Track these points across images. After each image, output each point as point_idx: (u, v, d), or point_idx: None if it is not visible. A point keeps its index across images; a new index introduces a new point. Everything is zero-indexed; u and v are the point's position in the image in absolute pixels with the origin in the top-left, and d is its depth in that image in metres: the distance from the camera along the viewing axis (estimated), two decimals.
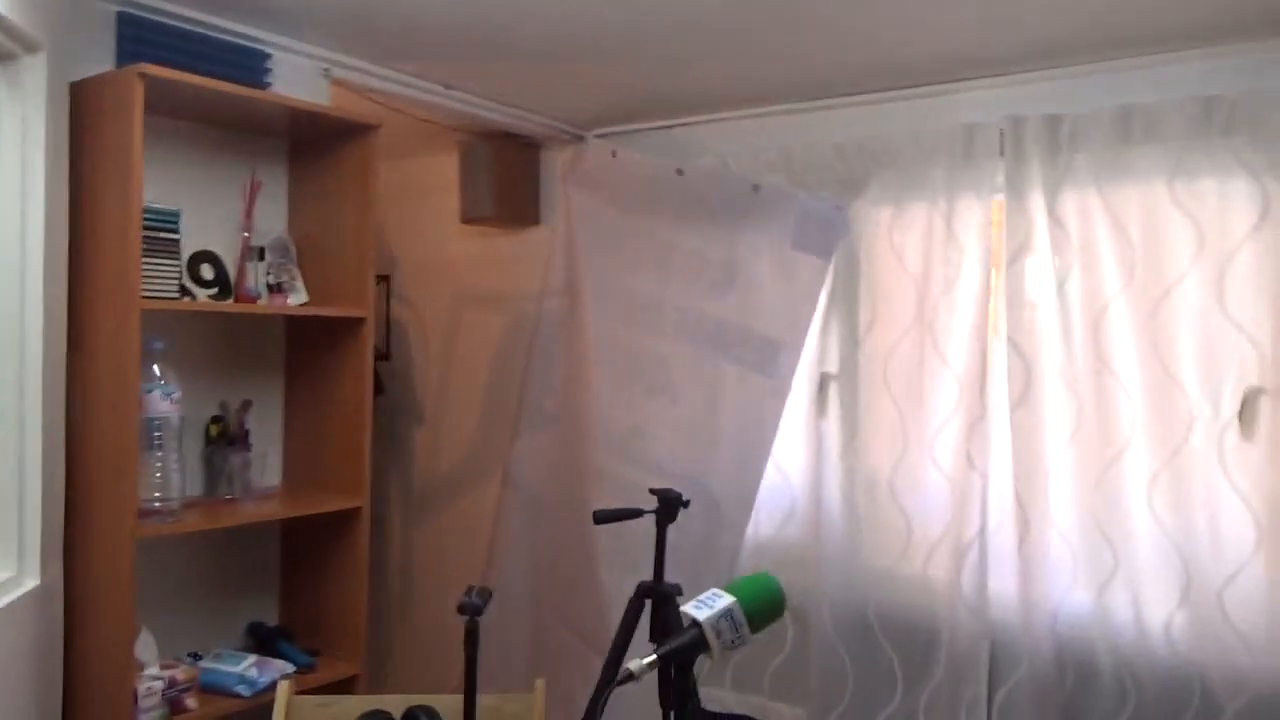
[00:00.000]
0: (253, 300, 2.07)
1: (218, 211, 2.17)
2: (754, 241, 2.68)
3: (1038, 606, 2.24)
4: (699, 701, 2.06)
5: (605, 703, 1.26)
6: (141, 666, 1.85)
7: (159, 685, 1.81)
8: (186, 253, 2.10)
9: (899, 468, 2.52)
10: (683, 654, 1.18)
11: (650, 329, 2.79)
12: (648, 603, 2.10)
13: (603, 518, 2.09)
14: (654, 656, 1.15)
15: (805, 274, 2.65)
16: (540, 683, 1.83)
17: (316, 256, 2.25)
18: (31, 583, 1.73)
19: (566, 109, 2.95)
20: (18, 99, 1.70)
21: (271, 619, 2.36)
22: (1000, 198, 2.37)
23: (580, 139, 3.12)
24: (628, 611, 2.11)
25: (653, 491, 2.12)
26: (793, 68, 2.40)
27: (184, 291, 2.02)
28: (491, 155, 3.17)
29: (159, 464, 1.87)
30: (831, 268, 2.66)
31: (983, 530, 2.37)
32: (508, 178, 3.19)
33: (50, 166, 1.75)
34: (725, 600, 1.22)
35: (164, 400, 1.85)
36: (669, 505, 2.10)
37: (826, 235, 2.65)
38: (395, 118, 2.96)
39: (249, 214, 2.09)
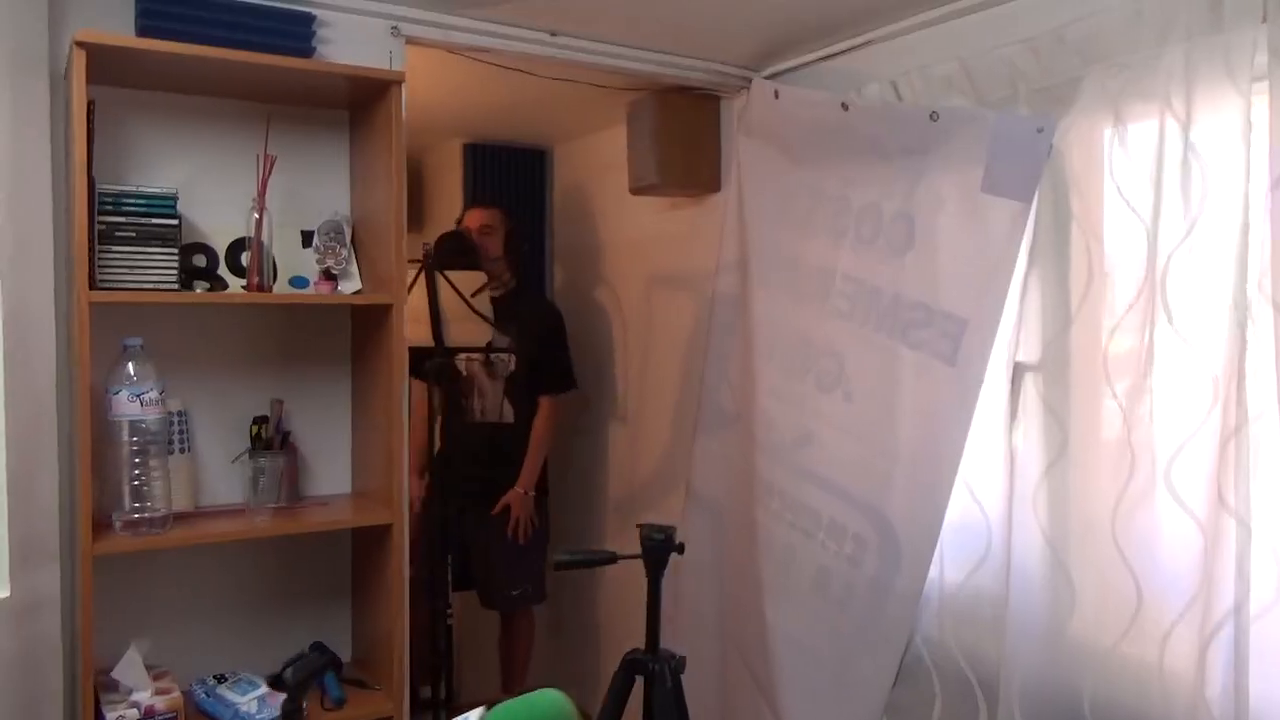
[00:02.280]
0: (263, 290, 1.89)
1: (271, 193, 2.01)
2: (935, 186, 2.06)
3: None
4: None
5: None
6: (127, 690, 1.75)
7: (132, 715, 1.71)
8: (223, 240, 2.00)
9: (1123, 502, 1.76)
10: None
11: (819, 306, 2.32)
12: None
13: (564, 564, 1.65)
14: None
15: (999, 225, 1.96)
16: None
17: (373, 238, 2.08)
18: (1, 594, 1.69)
19: (721, 46, 2.53)
20: None
21: (344, 640, 2.22)
22: (1265, 86, 1.55)
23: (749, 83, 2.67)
24: (612, 687, 1.65)
25: (639, 528, 1.65)
26: None
27: (189, 281, 1.91)
28: (659, 114, 2.79)
29: (137, 472, 1.74)
30: (1033, 214, 1.96)
31: (1241, 605, 1.57)
32: (679, 138, 2.81)
33: (4, 153, 1.69)
34: None
35: (131, 402, 1.71)
36: (657, 548, 1.60)
37: (1026, 168, 1.94)
38: (560, 88, 2.79)
39: (261, 193, 1.96)
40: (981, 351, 1.98)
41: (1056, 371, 1.93)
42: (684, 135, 2.83)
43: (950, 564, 2.13)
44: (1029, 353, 1.98)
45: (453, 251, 2.89)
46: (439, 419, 2.73)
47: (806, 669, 2.27)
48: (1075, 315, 1.89)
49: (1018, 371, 1.99)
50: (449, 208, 3.33)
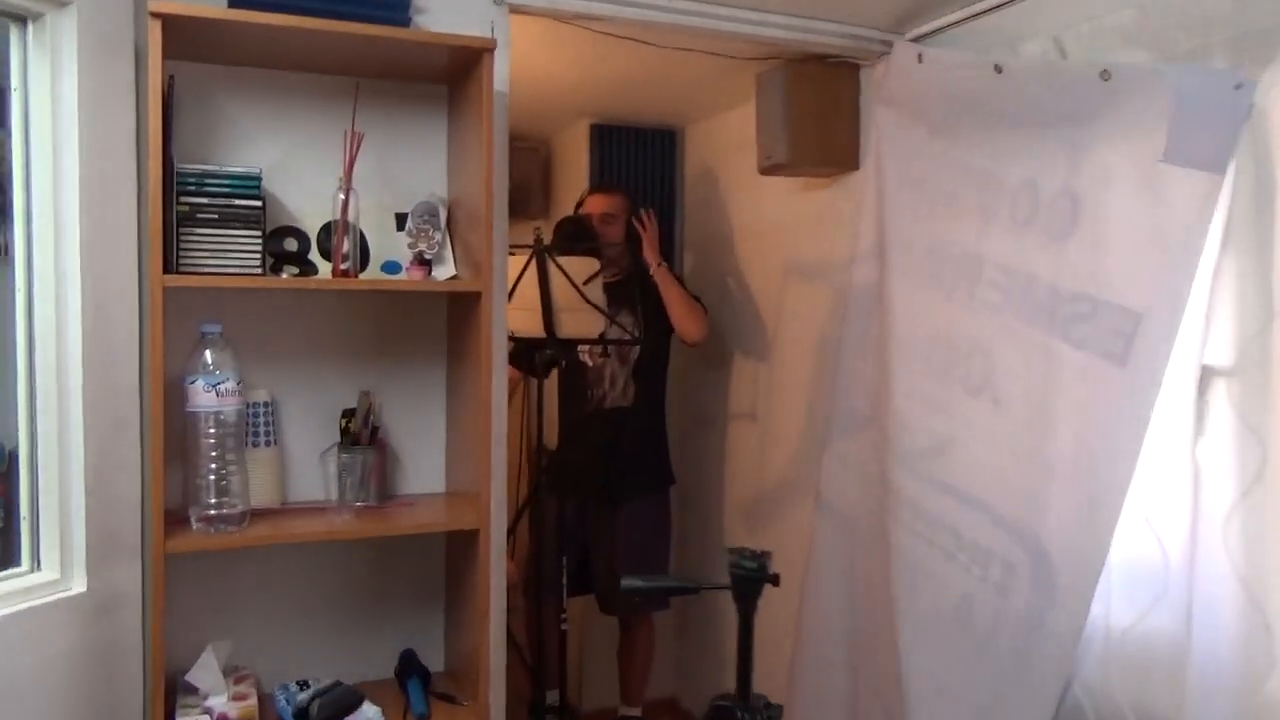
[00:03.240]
0: (348, 275, 1.79)
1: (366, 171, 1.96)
2: (1105, 158, 1.82)
3: None
4: None
5: None
6: (204, 695, 1.69)
7: None
8: (315, 223, 1.93)
9: None
10: None
11: (965, 298, 2.12)
12: None
13: (635, 592, 1.45)
14: None
15: (1183, 201, 1.68)
16: None
17: (470, 222, 1.95)
18: (77, 588, 1.66)
19: (858, 6, 2.31)
20: (45, 62, 1.63)
21: (437, 649, 2.11)
22: None
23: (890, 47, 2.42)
24: None
25: (729, 552, 1.42)
26: None
27: (279, 266, 1.85)
28: (789, 85, 2.58)
29: (214, 465, 1.68)
30: (1227, 187, 1.65)
31: None
32: (811, 112, 2.60)
33: (86, 134, 1.65)
34: None
35: (207, 392, 1.64)
36: (748, 579, 1.38)
37: (1218, 133, 1.64)
38: (687, 62, 2.67)
39: (347, 172, 1.84)
40: (1159, 351, 1.73)
41: (1255, 377, 1.63)
42: (817, 108, 2.62)
43: (1119, 601, 1.86)
44: (1220, 354, 1.69)
45: (570, 237, 2.83)
46: (546, 412, 2.66)
47: (945, 713, 2.06)
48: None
49: (1205, 376, 1.70)
50: (577, 192, 3.27)
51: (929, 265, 2.21)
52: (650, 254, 2.94)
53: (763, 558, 1.39)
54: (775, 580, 1.40)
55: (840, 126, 2.65)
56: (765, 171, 2.74)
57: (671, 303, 2.91)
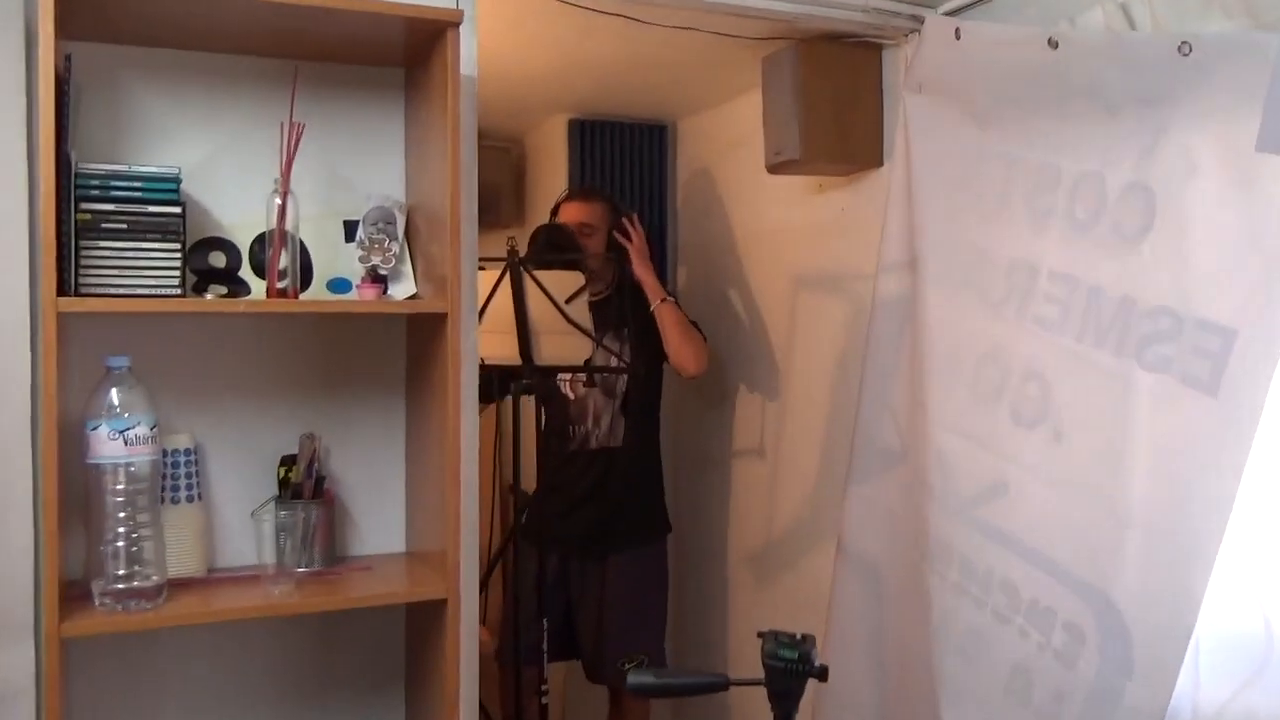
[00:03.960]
0: (285, 295, 1.70)
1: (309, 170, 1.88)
2: (1185, 146, 1.76)
3: None
4: None
5: None
6: None
7: None
8: (247, 234, 1.82)
9: None
10: None
11: (1016, 312, 2.08)
12: None
13: (646, 690, 1.29)
14: None
15: None
16: None
17: (432, 230, 1.83)
18: None
19: None
20: None
21: None
22: None
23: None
24: None
25: (761, 637, 1.27)
26: None
27: (203, 285, 1.74)
28: (801, 69, 2.51)
29: (121, 529, 1.55)
30: None
31: None
32: (827, 100, 2.54)
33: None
34: None
35: (113, 440, 1.50)
36: (787, 674, 1.22)
37: None
38: (680, 43, 2.60)
39: (285, 174, 1.71)
40: (1257, 377, 1.65)
41: None
42: (834, 96, 2.57)
43: (1210, 673, 1.78)
44: None
45: (548, 247, 2.76)
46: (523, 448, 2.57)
47: None
48: None
49: None
50: (554, 197, 3.19)
51: (971, 275, 2.16)
52: (643, 272, 2.84)
53: (805, 645, 1.24)
54: (822, 674, 1.24)
55: (860, 117, 2.62)
56: (773, 170, 2.69)
57: (666, 329, 2.82)
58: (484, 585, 2.77)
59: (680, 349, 2.81)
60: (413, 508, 1.99)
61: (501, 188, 3.85)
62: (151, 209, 1.66)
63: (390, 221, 1.88)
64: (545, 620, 2.64)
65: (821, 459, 2.87)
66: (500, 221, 3.79)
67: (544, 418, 2.89)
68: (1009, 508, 2.04)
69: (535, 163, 3.91)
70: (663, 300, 2.82)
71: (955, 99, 2.21)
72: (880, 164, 2.62)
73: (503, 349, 2.48)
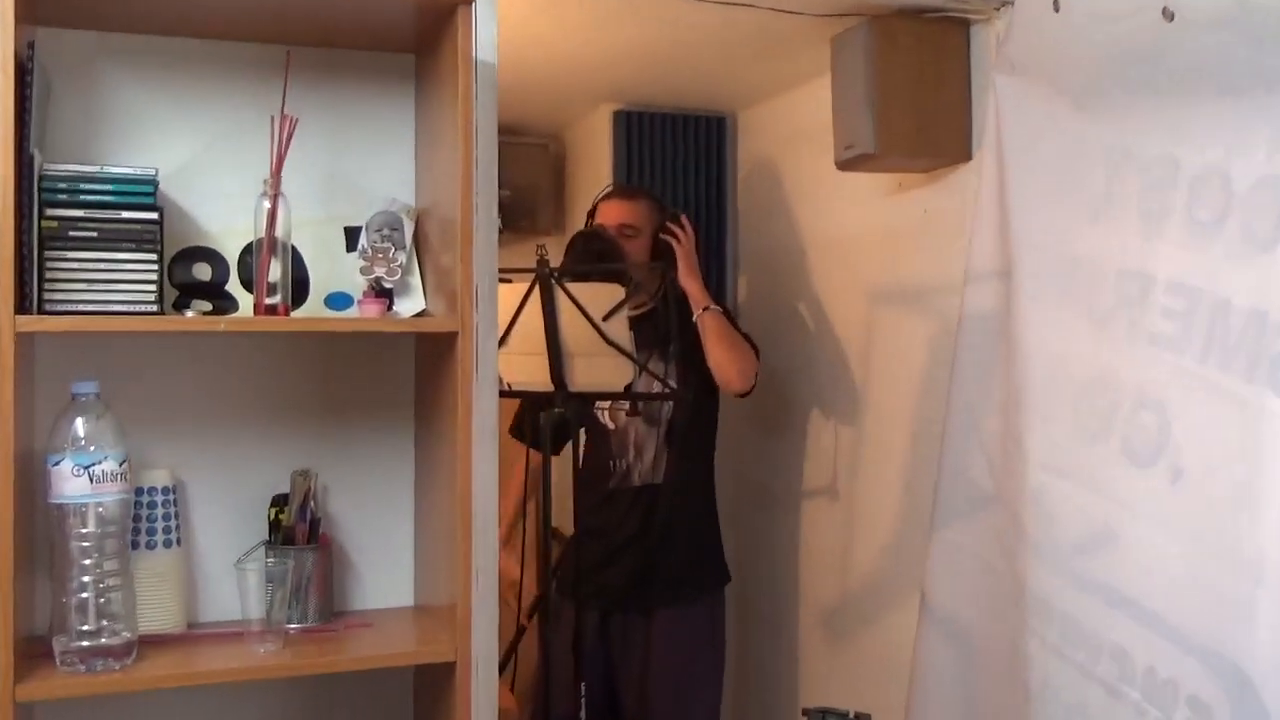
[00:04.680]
0: (276, 312, 1.71)
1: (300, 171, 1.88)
2: None
3: None
4: None
5: None
6: None
7: None
8: (236, 243, 1.83)
9: None
10: None
11: (1126, 330, 2.09)
12: None
13: None
14: None
15: None
16: None
17: (445, 238, 1.82)
18: None
19: None
20: None
21: None
22: None
23: None
24: None
25: (806, 715, 1.23)
26: None
27: (185, 301, 1.77)
28: (876, 49, 2.54)
29: (87, 579, 1.54)
30: None
31: None
32: (906, 85, 2.57)
33: None
34: None
35: (77, 476, 1.51)
36: None
37: None
38: (738, 21, 2.64)
39: (275, 174, 1.71)
40: None
41: None
42: (913, 80, 2.60)
43: None
44: None
45: (586, 256, 2.80)
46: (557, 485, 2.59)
47: None
48: None
49: None
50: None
51: (1074, 286, 2.18)
52: (689, 280, 2.85)
53: None
54: None
55: (944, 104, 2.66)
56: (845, 166, 2.73)
57: (707, 338, 2.82)
58: (513, 647, 2.78)
59: (721, 360, 2.81)
60: (422, 555, 1.99)
61: (539, 189, 3.92)
62: (125, 215, 1.67)
63: (397, 228, 1.88)
64: (582, 685, 2.62)
65: (904, 499, 2.89)
66: (537, 227, 3.85)
67: (579, 450, 2.89)
68: (1119, 559, 2.05)
69: (576, 160, 3.96)
70: (706, 309, 2.82)
71: (1054, 81, 2.24)
72: (967, 158, 2.65)
73: (532, 373, 2.49)
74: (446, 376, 1.79)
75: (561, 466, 2.75)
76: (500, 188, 3.66)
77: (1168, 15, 1.89)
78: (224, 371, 1.93)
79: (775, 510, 3.42)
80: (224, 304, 1.83)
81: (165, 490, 1.82)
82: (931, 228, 2.78)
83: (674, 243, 2.89)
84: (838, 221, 3.18)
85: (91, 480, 1.56)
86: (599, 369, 2.51)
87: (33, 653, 1.61)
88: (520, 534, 2.94)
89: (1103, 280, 2.09)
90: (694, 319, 2.83)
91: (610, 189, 3.12)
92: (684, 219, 2.94)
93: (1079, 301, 2.14)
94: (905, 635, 2.62)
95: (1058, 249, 2.19)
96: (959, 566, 2.46)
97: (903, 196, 2.88)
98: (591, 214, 3.03)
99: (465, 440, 1.73)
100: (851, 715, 1.20)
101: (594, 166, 3.73)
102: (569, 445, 2.73)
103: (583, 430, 2.74)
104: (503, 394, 2.28)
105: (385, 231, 1.89)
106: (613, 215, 2.94)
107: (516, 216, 3.77)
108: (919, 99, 2.60)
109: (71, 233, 1.65)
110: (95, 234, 1.66)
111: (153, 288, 1.69)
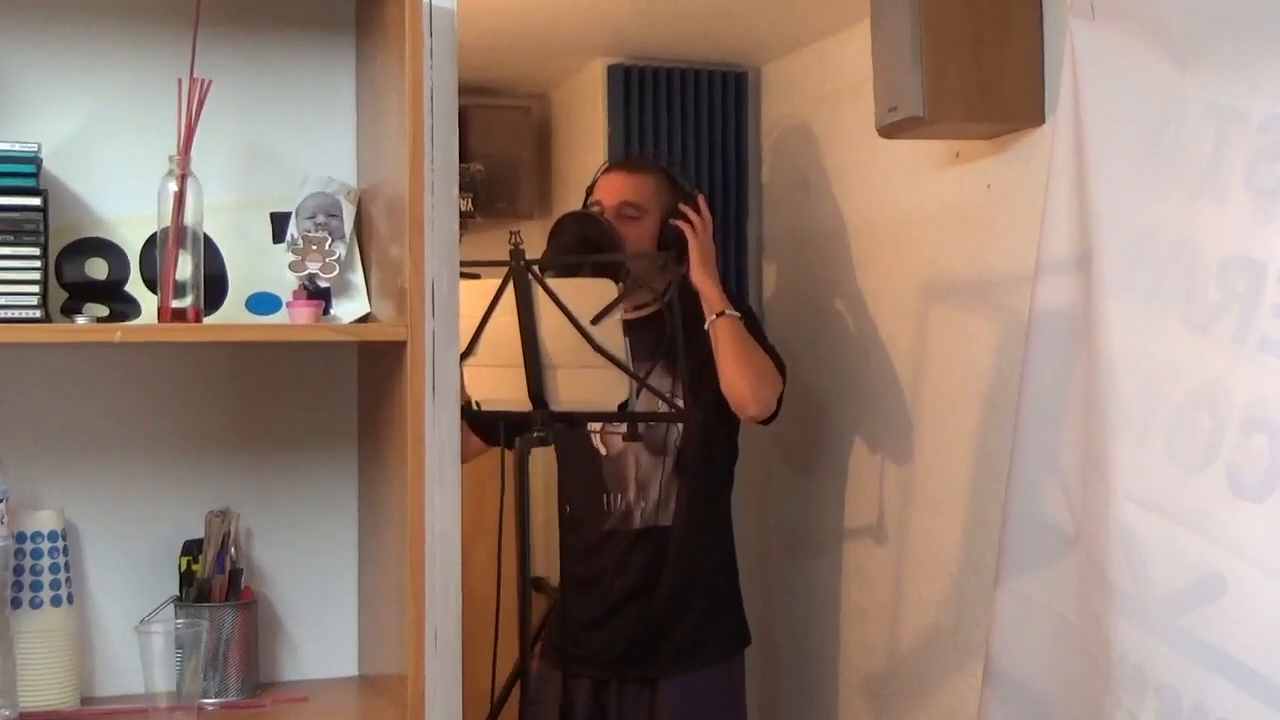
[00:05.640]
0: (185, 317, 1.74)
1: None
2: None
3: None
4: None
5: None
6: None
7: None
8: (139, 234, 1.87)
9: None
10: None
11: (1233, 334, 2.10)
12: None
13: None
14: None
15: None
16: None
17: (393, 226, 1.88)
18: None
19: None
20: None
21: None
22: None
23: None
24: None
25: None
26: None
27: (76, 305, 1.81)
28: None
29: None
30: None
31: None
32: (961, 35, 2.62)
33: None
34: None
35: None
36: None
37: None
38: None
39: (184, 149, 1.76)
40: None
41: None
42: (971, 29, 2.65)
43: None
44: None
45: (574, 245, 2.83)
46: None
47: None
48: None
49: None
50: (590, 171, 3.27)
51: (1169, 279, 2.22)
52: (703, 276, 2.89)
53: None
54: None
55: (1011, 56, 2.70)
56: (888, 132, 2.77)
57: (720, 348, 2.86)
58: None
59: (735, 380, 2.85)
60: (368, 614, 2.04)
61: (519, 162, 3.98)
62: (1, 201, 1.70)
63: (334, 214, 1.94)
64: None
65: (965, 543, 2.93)
66: (517, 209, 3.91)
67: (566, 482, 2.94)
68: (1227, 615, 2.06)
69: (564, 126, 4.02)
70: (720, 314, 2.85)
71: (1145, 28, 2.27)
72: (1040, 122, 2.68)
73: (505, 389, 2.54)
74: (395, 395, 1.83)
75: (547, 502, 2.77)
76: (469, 161, 3.73)
77: None
78: (124, 391, 1.96)
79: (808, 558, 3.46)
80: (123, 308, 1.88)
81: (53, 535, 1.85)
82: (996, 207, 2.81)
83: (687, 229, 2.92)
84: (883, 200, 3.22)
85: None
86: (588, 384, 2.54)
87: None
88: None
89: (1205, 272, 2.11)
90: (706, 326, 2.87)
91: (610, 162, 3.17)
92: (702, 200, 2.98)
93: (1175, 297, 2.17)
94: (968, 706, 2.69)
95: (1149, 232, 2.22)
96: (1031, 625, 2.49)
97: (961, 169, 2.90)
98: (590, 190, 3.07)
99: (418, 473, 1.77)
100: None
101: (586, 133, 3.79)
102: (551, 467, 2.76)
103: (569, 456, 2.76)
104: (468, 415, 2.32)
105: (320, 218, 1.95)
106: (612, 192, 2.98)
107: (492, 197, 3.82)
108: (979, 50, 2.63)
109: None
110: None
111: (35, 289, 1.75)
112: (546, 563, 2.94)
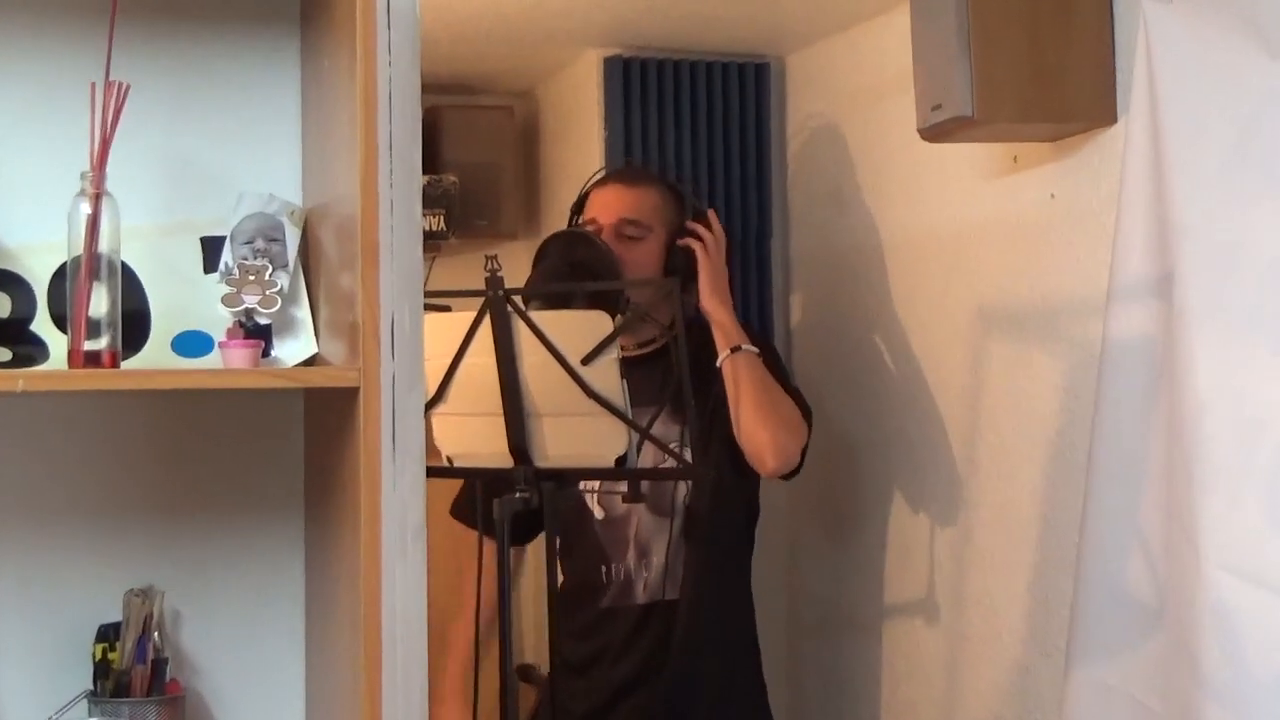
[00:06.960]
0: (100, 361, 1.75)
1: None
2: None
3: None
4: None
5: None
6: None
7: None
8: (47, 264, 1.87)
9: None
10: None
11: None
12: None
13: None
14: None
15: None
16: None
17: (343, 252, 1.89)
18: None
19: None
20: None
21: None
22: None
23: None
24: None
25: None
26: None
27: None
28: None
29: None
30: None
31: None
32: (1015, 23, 2.66)
33: None
34: None
35: None
36: None
37: None
38: None
39: (99, 165, 1.77)
40: None
41: None
42: (1028, 16, 2.68)
43: None
44: None
45: (563, 271, 2.85)
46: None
47: None
48: None
49: None
50: (579, 181, 3.29)
51: (1264, 304, 2.26)
52: (715, 304, 2.90)
53: None
54: None
55: (1074, 45, 2.74)
56: (932, 134, 2.80)
57: (737, 395, 2.88)
58: None
59: (752, 428, 2.87)
60: (316, 709, 2.05)
61: (501, 171, 4.02)
62: None
63: (276, 238, 1.95)
64: None
65: (1031, 621, 2.95)
66: (499, 228, 3.95)
67: (561, 552, 2.92)
68: None
69: (553, 129, 4.06)
70: (736, 349, 2.87)
71: (1230, 10, 2.29)
72: (1110, 121, 2.71)
73: (480, 442, 2.55)
74: (347, 450, 1.83)
75: (535, 575, 2.77)
76: (442, 172, 3.74)
77: None
78: (28, 448, 1.98)
79: (843, 638, 3.49)
80: (28, 350, 1.88)
81: None
82: (1060, 221, 2.83)
83: (698, 248, 2.94)
84: (928, 214, 3.25)
85: None
86: (579, 435, 2.56)
87: None
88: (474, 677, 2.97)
89: None
90: (718, 363, 2.88)
91: (606, 172, 3.19)
92: (712, 216, 3.00)
93: (1273, 326, 2.19)
94: None
95: (1241, 250, 2.25)
96: (1109, 715, 2.50)
97: (1019, 177, 2.93)
98: (579, 204, 3.09)
99: (373, 543, 1.76)
100: None
101: (579, 137, 3.82)
102: (540, 538, 2.76)
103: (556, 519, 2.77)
104: (436, 473, 2.33)
105: (259, 244, 1.96)
106: (609, 207, 3.01)
107: (469, 213, 3.84)
108: (1037, 38, 2.67)
109: None
110: None
111: None
112: (536, 646, 2.93)
